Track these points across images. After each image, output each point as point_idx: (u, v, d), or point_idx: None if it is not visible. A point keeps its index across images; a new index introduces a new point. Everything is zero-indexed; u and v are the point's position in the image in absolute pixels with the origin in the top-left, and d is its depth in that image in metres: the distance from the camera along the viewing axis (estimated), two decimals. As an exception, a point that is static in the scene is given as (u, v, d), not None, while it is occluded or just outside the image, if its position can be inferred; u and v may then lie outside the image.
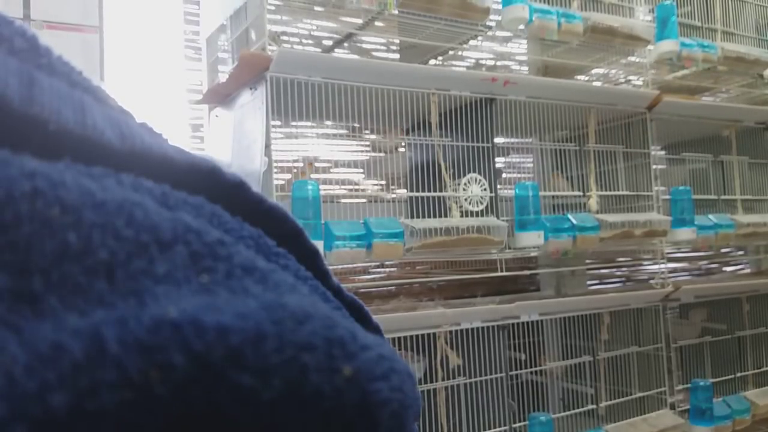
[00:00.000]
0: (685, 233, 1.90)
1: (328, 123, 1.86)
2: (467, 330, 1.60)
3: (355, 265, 1.94)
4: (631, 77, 2.17)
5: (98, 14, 1.62)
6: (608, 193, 1.88)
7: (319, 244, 1.37)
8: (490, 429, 1.62)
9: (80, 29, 1.60)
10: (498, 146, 1.72)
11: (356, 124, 1.85)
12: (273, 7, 1.59)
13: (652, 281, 1.95)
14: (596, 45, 1.88)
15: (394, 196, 1.92)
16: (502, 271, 1.63)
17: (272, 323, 0.17)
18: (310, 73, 1.44)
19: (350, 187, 1.91)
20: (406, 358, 1.60)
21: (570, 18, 1.76)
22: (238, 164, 1.53)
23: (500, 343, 1.64)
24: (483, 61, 2.13)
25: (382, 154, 1.98)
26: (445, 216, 1.57)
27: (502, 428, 1.63)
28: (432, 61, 1.91)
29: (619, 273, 2.45)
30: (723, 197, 2.18)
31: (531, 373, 1.74)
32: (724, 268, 2.74)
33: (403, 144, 1.97)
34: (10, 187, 0.15)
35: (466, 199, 1.59)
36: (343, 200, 1.76)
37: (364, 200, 1.81)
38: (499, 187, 1.67)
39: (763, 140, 2.27)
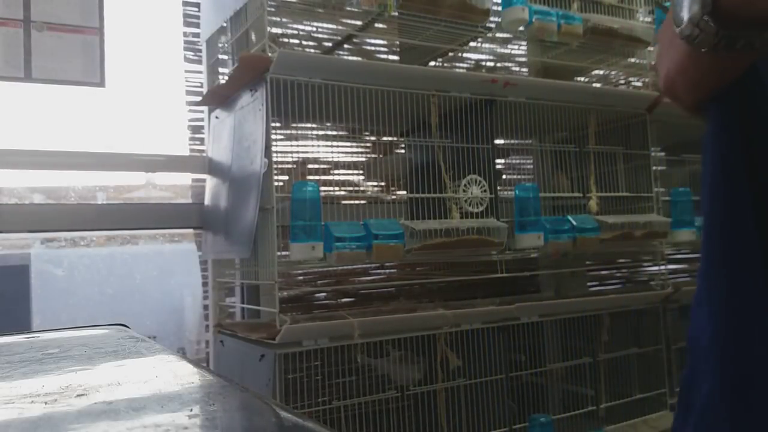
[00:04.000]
0: (685, 234, 1.90)
1: (329, 124, 1.86)
2: (467, 331, 1.60)
3: (355, 267, 1.94)
4: (631, 79, 2.17)
5: (98, 16, 1.62)
6: (608, 194, 1.88)
7: (319, 246, 1.37)
8: (490, 430, 1.62)
9: (81, 31, 1.60)
10: (498, 148, 1.72)
11: (356, 126, 1.85)
12: (273, 9, 1.59)
13: (652, 283, 1.96)
14: (596, 46, 1.88)
15: (394, 197, 1.92)
16: (502, 272, 1.63)
17: None
18: (310, 75, 1.44)
19: (350, 188, 1.91)
20: (406, 360, 1.60)
21: (570, 19, 1.77)
22: (238, 165, 1.53)
23: (500, 345, 1.64)
24: (483, 63, 2.14)
25: (381, 156, 1.98)
26: (445, 217, 1.57)
27: (503, 429, 1.63)
28: (432, 63, 1.91)
29: (619, 274, 2.45)
30: (723, 199, 2.17)
31: (531, 374, 1.74)
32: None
33: (402, 145, 1.97)
34: None
35: (466, 201, 1.59)
36: (343, 201, 1.76)
37: (364, 201, 1.81)
38: (499, 188, 1.67)
39: (763, 142, 2.27)
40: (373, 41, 1.98)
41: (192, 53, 1.85)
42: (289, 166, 1.81)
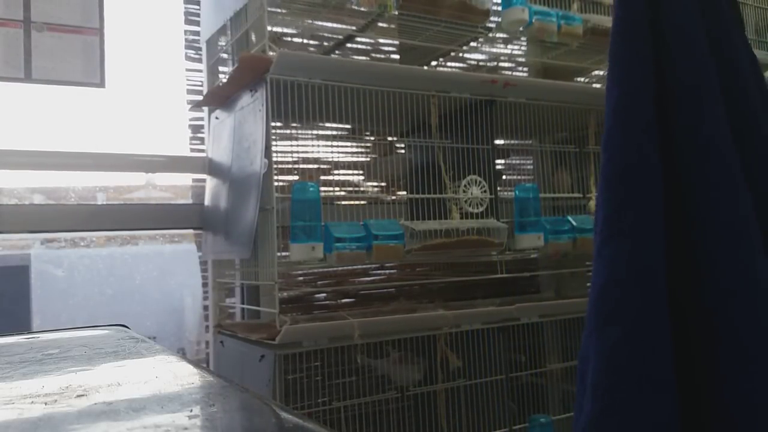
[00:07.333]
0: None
1: (329, 124, 1.86)
2: (467, 332, 1.60)
3: (355, 267, 1.94)
4: (631, 79, 2.16)
5: (99, 16, 1.62)
6: (608, 194, 1.88)
7: (319, 246, 1.37)
8: (490, 431, 1.62)
9: (81, 31, 1.60)
10: (498, 148, 1.72)
11: (356, 126, 1.85)
12: (273, 9, 1.59)
13: (652, 283, 1.95)
14: (596, 47, 1.88)
15: (394, 197, 1.93)
16: (502, 273, 1.63)
17: None
18: (310, 75, 1.44)
19: (350, 188, 1.91)
20: (406, 360, 1.60)
21: (570, 20, 1.77)
22: (238, 166, 1.53)
23: (500, 345, 1.64)
24: (483, 63, 2.14)
25: (382, 156, 1.98)
26: (445, 218, 1.57)
27: (503, 430, 1.63)
28: (432, 63, 1.91)
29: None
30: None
31: (531, 374, 1.74)
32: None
33: (402, 146, 1.97)
34: None
35: (466, 201, 1.59)
36: (343, 202, 1.76)
37: (364, 202, 1.82)
38: (499, 188, 1.67)
39: (763, 142, 2.27)
40: (373, 41, 1.98)
41: (192, 53, 1.85)
42: (295, 166, 1.81)
